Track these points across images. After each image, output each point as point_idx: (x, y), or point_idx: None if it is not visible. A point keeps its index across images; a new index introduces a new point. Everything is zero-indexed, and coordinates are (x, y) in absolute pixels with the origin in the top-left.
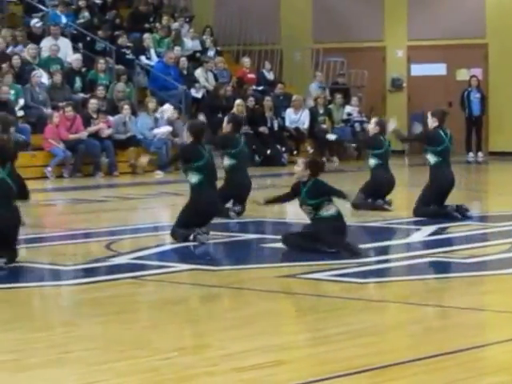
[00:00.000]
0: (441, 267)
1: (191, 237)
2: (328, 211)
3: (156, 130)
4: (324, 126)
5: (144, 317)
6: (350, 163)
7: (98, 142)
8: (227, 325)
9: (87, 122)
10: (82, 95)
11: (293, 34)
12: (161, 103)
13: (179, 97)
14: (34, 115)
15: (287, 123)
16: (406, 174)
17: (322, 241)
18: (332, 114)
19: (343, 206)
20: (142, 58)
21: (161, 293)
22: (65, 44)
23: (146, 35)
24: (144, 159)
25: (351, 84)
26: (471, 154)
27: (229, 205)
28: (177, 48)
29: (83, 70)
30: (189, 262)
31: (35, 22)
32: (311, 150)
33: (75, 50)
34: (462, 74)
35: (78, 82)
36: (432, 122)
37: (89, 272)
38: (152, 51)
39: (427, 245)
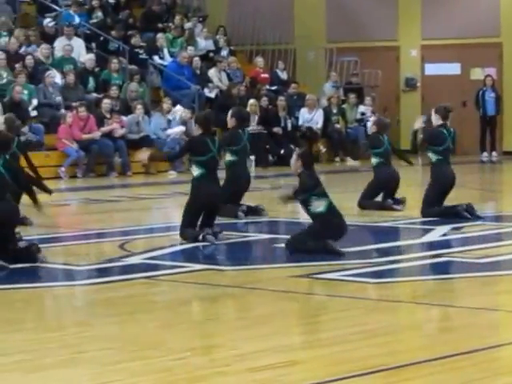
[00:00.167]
0: (455, 267)
1: (200, 237)
2: (317, 208)
3: (169, 131)
4: (337, 126)
5: (157, 317)
6: (364, 163)
7: (112, 142)
8: (240, 325)
9: (100, 121)
10: (95, 95)
11: (306, 34)
12: (175, 103)
13: (192, 97)
14: (48, 115)
15: (300, 122)
16: (420, 174)
17: (304, 247)
18: (345, 114)
19: (350, 206)
20: (156, 57)
21: (174, 293)
22: (78, 44)
23: (160, 35)
24: (143, 155)
25: (365, 84)
26: (485, 154)
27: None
28: (190, 48)
29: (96, 69)
30: (202, 262)
31: (48, 22)
32: (324, 150)
33: (88, 49)
34: (476, 74)
35: (91, 82)
36: (436, 120)
37: (102, 272)
38: (165, 51)
39: (441, 245)
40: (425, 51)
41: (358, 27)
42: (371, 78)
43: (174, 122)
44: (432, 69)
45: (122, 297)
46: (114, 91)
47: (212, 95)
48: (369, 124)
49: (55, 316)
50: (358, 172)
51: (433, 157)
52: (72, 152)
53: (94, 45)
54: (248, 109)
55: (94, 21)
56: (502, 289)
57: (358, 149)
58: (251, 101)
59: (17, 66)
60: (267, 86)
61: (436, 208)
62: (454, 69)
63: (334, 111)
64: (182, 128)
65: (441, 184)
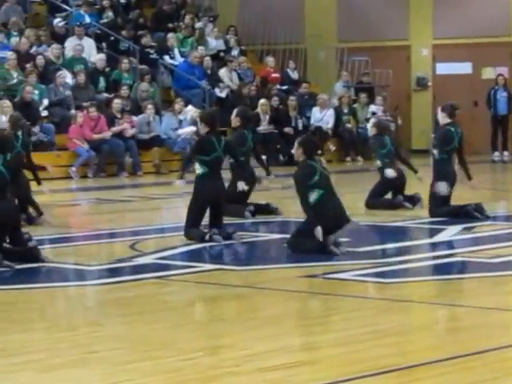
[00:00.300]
0: (466, 267)
1: (207, 237)
2: (311, 199)
3: (180, 130)
4: (348, 126)
5: (168, 317)
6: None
7: (122, 142)
8: (251, 325)
9: (111, 121)
10: (105, 95)
11: (317, 33)
12: (186, 103)
13: (203, 96)
14: (58, 115)
15: (312, 122)
16: (430, 174)
17: (302, 246)
18: (356, 114)
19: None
20: (166, 57)
21: (185, 293)
22: (89, 44)
23: (170, 35)
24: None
25: (376, 83)
26: (497, 154)
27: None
28: (201, 47)
29: (107, 69)
30: (212, 262)
31: (58, 22)
32: (333, 148)
33: (99, 49)
34: (488, 73)
35: (101, 82)
36: (443, 118)
37: (113, 272)
38: (176, 51)
39: (452, 245)
40: (436, 50)
41: (369, 27)
42: (382, 78)
43: (185, 122)
44: (443, 68)
45: (133, 297)
46: (124, 91)
47: (223, 95)
48: (368, 126)
49: (66, 316)
50: (368, 172)
51: (436, 154)
52: (83, 152)
53: (104, 45)
54: (259, 109)
55: (105, 21)
56: None
57: (369, 149)
58: (262, 100)
59: (27, 66)
60: (278, 86)
61: (445, 207)
62: (465, 68)
63: (345, 111)
64: (192, 128)
65: (448, 183)
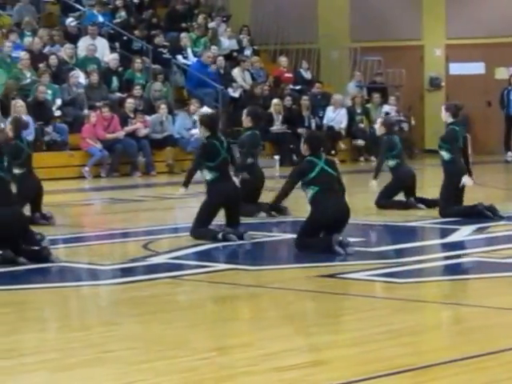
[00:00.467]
0: (480, 267)
1: (220, 236)
2: (307, 196)
3: (194, 130)
4: (362, 126)
5: (182, 316)
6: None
7: (135, 142)
8: (266, 324)
9: (124, 121)
10: (118, 95)
11: (330, 33)
12: (201, 104)
13: (215, 96)
14: (71, 115)
15: (325, 121)
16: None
17: (308, 246)
18: (369, 114)
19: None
20: (179, 57)
21: (198, 292)
22: (102, 44)
23: (183, 34)
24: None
25: (389, 83)
26: (510, 154)
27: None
28: (213, 47)
29: (120, 69)
30: (226, 262)
31: (70, 21)
32: (343, 147)
33: (112, 49)
34: (501, 73)
35: (114, 82)
36: (446, 117)
37: (126, 272)
38: (189, 50)
39: (466, 245)
40: (449, 50)
41: (382, 26)
42: (395, 78)
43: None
44: (456, 68)
45: (147, 296)
46: (137, 91)
47: (236, 95)
48: (376, 126)
49: (80, 315)
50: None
51: (445, 155)
52: (96, 152)
53: (117, 44)
54: (272, 108)
55: (118, 20)
56: None
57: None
58: (275, 100)
59: (41, 65)
60: (291, 86)
61: (456, 207)
62: (478, 68)
63: (358, 111)
64: None
65: (455, 182)
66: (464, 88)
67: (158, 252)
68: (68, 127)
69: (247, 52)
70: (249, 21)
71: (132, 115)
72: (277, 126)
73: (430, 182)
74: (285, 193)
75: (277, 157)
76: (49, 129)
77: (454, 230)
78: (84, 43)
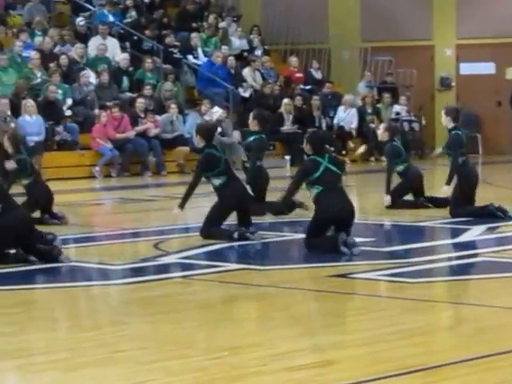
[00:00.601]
0: (491, 267)
1: (235, 235)
2: (311, 195)
3: None
4: (372, 126)
5: (193, 316)
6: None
7: (146, 142)
8: (277, 324)
9: (135, 121)
10: (129, 94)
11: (341, 33)
12: (213, 104)
13: (225, 95)
14: (82, 114)
15: (336, 121)
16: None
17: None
18: (380, 114)
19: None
20: (190, 57)
21: (209, 292)
22: (112, 43)
23: (194, 34)
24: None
25: (399, 83)
26: None
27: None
28: (224, 47)
29: (130, 69)
30: (237, 262)
31: (79, 21)
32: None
33: (122, 49)
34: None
35: (125, 82)
36: (447, 122)
37: (137, 271)
38: (199, 50)
39: (477, 245)
40: (460, 50)
41: (393, 26)
42: (406, 78)
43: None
44: (467, 68)
45: (158, 296)
46: (147, 90)
47: (246, 95)
48: (379, 132)
49: (91, 315)
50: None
51: (454, 160)
52: (106, 151)
53: (128, 44)
54: (282, 108)
55: (128, 20)
56: None
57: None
58: (285, 100)
59: (51, 65)
60: (301, 86)
61: (466, 207)
62: (488, 68)
63: (369, 111)
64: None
65: (468, 183)
66: (474, 88)
67: (168, 252)
68: (78, 127)
69: (258, 52)
70: (259, 21)
71: (142, 115)
72: (287, 126)
73: (440, 182)
74: (290, 193)
75: (287, 157)
76: (59, 128)
77: (464, 230)
78: (94, 43)
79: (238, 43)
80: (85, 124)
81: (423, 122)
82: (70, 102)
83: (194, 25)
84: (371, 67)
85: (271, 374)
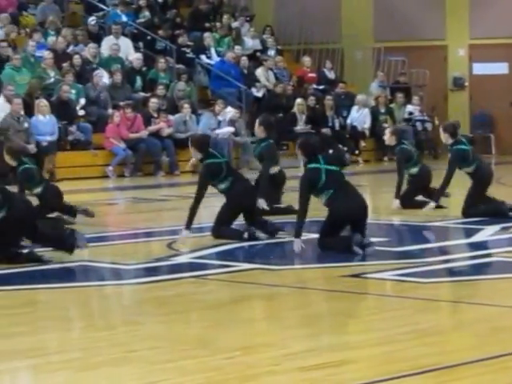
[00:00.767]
0: (504, 267)
1: (246, 235)
2: (322, 201)
3: (218, 130)
4: (385, 126)
5: (207, 316)
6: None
7: (159, 141)
8: (290, 324)
9: (148, 121)
10: (142, 94)
11: (354, 33)
12: (227, 105)
13: (238, 95)
14: (95, 114)
15: (349, 121)
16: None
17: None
18: (393, 114)
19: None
20: (203, 57)
21: (222, 292)
22: (125, 43)
23: (207, 34)
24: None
25: (412, 83)
26: None
27: None
28: (237, 47)
29: (144, 69)
30: (250, 262)
31: (91, 20)
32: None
33: (136, 49)
34: None
35: (138, 82)
36: (446, 139)
37: (150, 271)
38: (212, 50)
39: (490, 244)
40: (472, 50)
41: (406, 26)
42: (419, 78)
43: (224, 123)
44: (480, 68)
45: (171, 296)
46: (160, 90)
47: (259, 94)
48: (386, 138)
49: (105, 315)
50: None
51: (467, 170)
52: (119, 151)
53: (141, 44)
54: (295, 108)
55: (142, 20)
56: None
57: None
58: (298, 100)
59: (64, 65)
60: (314, 86)
61: (479, 207)
62: (501, 68)
63: (382, 111)
64: (230, 129)
65: (483, 184)
66: (487, 88)
67: (181, 251)
68: (92, 127)
69: (271, 52)
70: (272, 21)
71: (155, 115)
72: (300, 126)
73: (452, 182)
74: (304, 210)
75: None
76: (72, 128)
77: (477, 230)
78: (107, 43)
79: (251, 43)
80: (98, 124)
81: (436, 122)
82: (83, 101)
83: (207, 25)
84: (384, 67)
85: (284, 373)
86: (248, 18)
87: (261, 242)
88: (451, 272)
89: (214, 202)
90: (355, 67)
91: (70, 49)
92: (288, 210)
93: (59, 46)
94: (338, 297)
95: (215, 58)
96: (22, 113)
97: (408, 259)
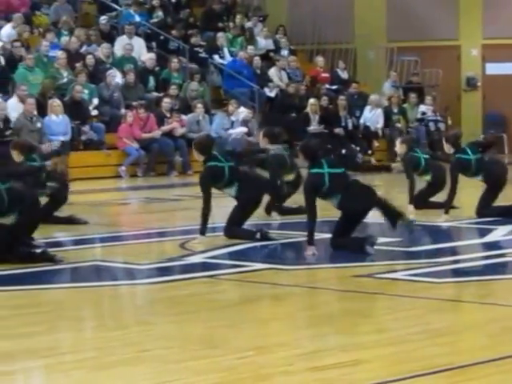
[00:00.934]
0: None
1: (258, 235)
2: (333, 205)
3: (231, 130)
4: (398, 125)
5: (220, 316)
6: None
7: (172, 141)
8: (303, 324)
9: (161, 120)
10: (155, 94)
11: (367, 33)
12: (240, 105)
13: (253, 96)
14: (108, 114)
15: (362, 121)
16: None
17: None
18: (406, 114)
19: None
20: (216, 56)
21: (236, 292)
22: (138, 43)
23: (220, 34)
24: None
25: (425, 83)
26: None
27: None
28: (250, 47)
29: (156, 69)
30: (263, 262)
31: (102, 20)
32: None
33: (149, 49)
34: None
35: (151, 81)
36: (448, 149)
37: (163, 271)
38: (225, 50)
39: (503, 244)
40: (486, 50)
41: (419, 26)
42: (432, 78)
43: (237, 123)
44: (493, 68)
45: (184, 296)
46: (173, 90)
47: (272, 94)
48: (397, 148)
49: (118, 314)
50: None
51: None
52: (132, 151)
53: (154, 44)
54: (308, 108)
55: (155, 20)
56: None
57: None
58: (311, 100)
59: (77, 65)
60: (327, 86)
61: (492, 207)
62: None
63: (395, 111)
64: (243, 129)
65: (498, 184)
66: (500, 88)
67: (194, 251)
68: (105, 126)
69: (284, 52)
70: (285, 21)
71: (168, 115)
72: (313, 126)
73: (464, 183)
74: (312, 215)
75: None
76: (85, 128)
77: (490, 230)
78: (120, 43)
79: (264, 43)
80: (111, 124)
81: (449, 121)
82: (96, 101)
83: (220, 25)
84: (397, 67)
85: (297, 373)
86: (261, 18)
87: (273, 242)
88: (463, 272)
89: (226, 202)
90: (368, 67)
91: (83, 49)
92: (299, 211)
93: (72, 45)
94: (350, 297)
95: (228, 58)
96: (35, 113)
97: (420, 259)
